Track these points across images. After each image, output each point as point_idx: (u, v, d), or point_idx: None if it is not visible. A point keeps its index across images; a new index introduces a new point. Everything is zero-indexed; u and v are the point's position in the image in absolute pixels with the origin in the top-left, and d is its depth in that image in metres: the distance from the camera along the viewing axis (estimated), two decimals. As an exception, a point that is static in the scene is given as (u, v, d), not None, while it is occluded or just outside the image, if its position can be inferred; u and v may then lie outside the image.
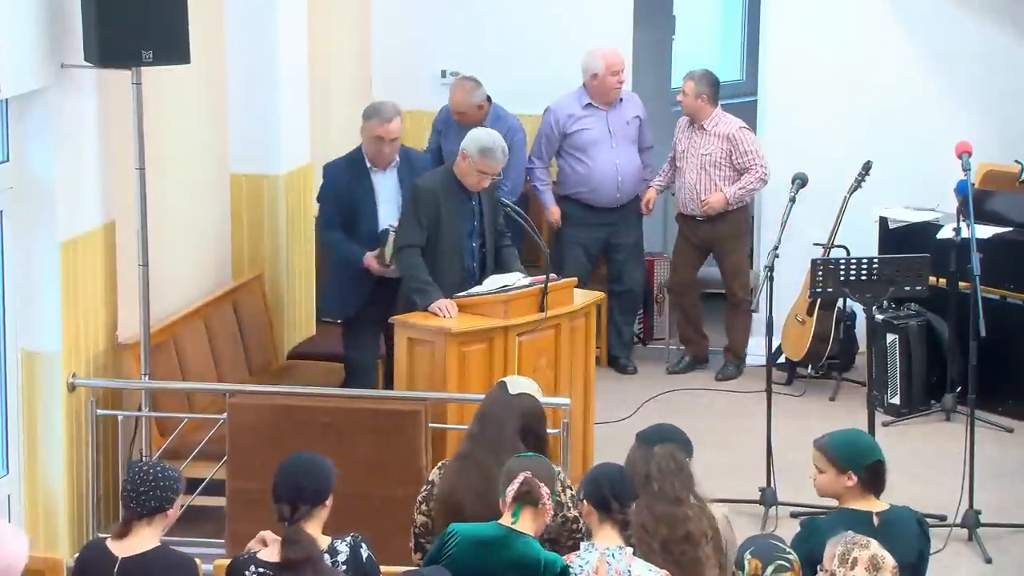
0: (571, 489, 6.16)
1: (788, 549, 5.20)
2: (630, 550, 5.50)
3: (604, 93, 10.42)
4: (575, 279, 8.60)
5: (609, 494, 5.57)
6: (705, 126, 10.43)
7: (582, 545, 5.57)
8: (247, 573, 5.51)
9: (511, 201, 8.73)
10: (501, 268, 8.45)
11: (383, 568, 5.73)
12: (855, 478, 5.95)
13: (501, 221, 8.60)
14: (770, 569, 5.11)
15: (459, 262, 8.29)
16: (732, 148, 10.36)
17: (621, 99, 10.52)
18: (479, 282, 8.32)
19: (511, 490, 5.63)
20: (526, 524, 5.62)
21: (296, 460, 5.71)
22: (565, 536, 6.06)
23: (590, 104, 10.48)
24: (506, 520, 5.64)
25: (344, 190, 8.72)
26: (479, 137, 8.33)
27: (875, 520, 5.87)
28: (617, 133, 10.48)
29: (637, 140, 10.58)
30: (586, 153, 10.46)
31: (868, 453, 6.02)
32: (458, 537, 5.62)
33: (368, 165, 8.75)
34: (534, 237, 8.34)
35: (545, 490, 5.63)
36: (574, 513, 6.07)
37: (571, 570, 5.47)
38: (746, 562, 5.15)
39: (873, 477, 5.98)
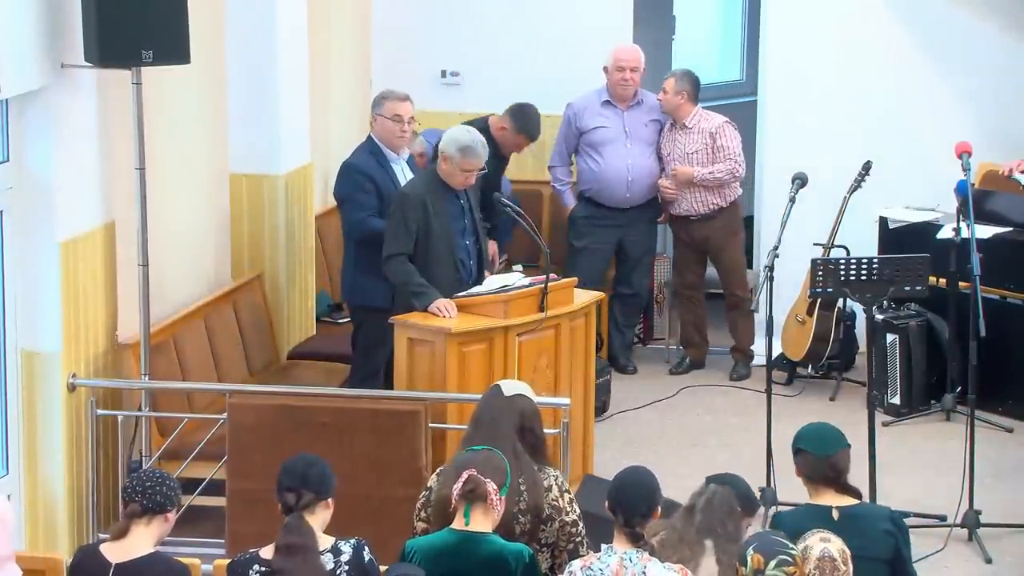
0: (569, 493, 6.14)
1: (791, 545, 5.21)
2: (646, 552, 5.48)
3: (612, 88, 10.43)
4: (575, 279, 8.59)
5: (615, 504, 5.55)
6: (687, 124, 10.41)
7: (602, 547, 5.54)
8: (251, 572, 5.53)
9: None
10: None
11: (381, 568, 5.73)
12: (796, 467, 5.99)
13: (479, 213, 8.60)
14: (772, 563, 5.13)
15: (454, 263, 8.26)
16: (713, 143, 10.35)
17: (641, 100, 10.48)
18: (477, 278, 8.32)
19: (456, 488, 5.61)
20: (479, 522, 5.61)
21: (302, 456, 5.78)
22: (564, 541, 6.04)
23: (608, 102, 10.47)
24: (458, 523, 5.62)
25: (377, 177, 8.71)
26: (456, 137, 8.24)
27: (834, 515, 5.89)
28: (633, 133, 10.45)
29: (656, 143, 10.54)
30: (599, 151, 10.44)
31: (795, 441, 6.06)
32: (418, 554, 5.61)
33: (386, 153, 8.78)
34: (534, 237, 8.34)
35: (492, 486, 5.60)
36: (573, 517, 6.05)
37: (591, 572, 5.46)
38: (749, 558, 5.16)
39: (807, 468, 5.99)
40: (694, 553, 5.49)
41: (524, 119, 10.15)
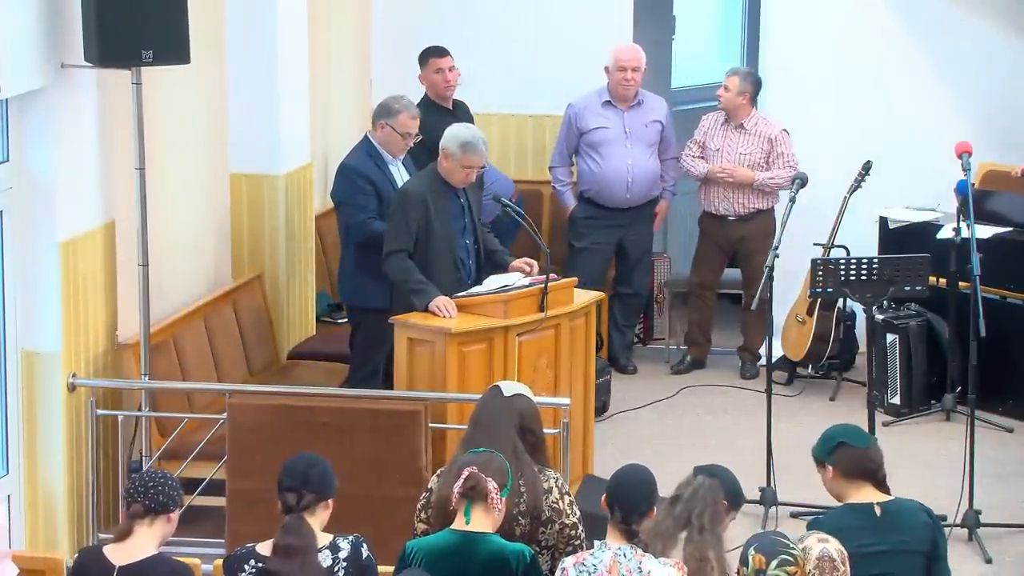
0: (569, 496, 6.14)
1: (792, 544, 5.21)
2: (640, 548, 5.48)
3: (613, 88, 10.42)
4: (575, 279, 8.59)
5: (614, 500, 5.56)
6: (745, 125, 10.39)
7: (596, 544, 5.54)
8: (247, 567, 5.53)
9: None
10: (487, 257, 8.48)
11: (381, 568, 5.74)
12: (830, 469, 5.96)
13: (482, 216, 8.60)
14: (774, 564, 5.12)
15: (453, 262, 8.26)
16: (771, 149, 10.34)
17: (642, 101, 10.45)
18: (477, 278, 8.32)
19: (457, 486, 5.60)
20: (480, 522, 5.59)
21: (303, 455, 5.78)
22: (563, 544, 6.02)
23: (609, 102, 10.44)
24: (459, 523, 5.61)
25: (376, 179, 8.72)
26: (457, 133, 8.25)
27: (877, 511, 5.86)
28: (634, 134, 10.41)
29: (657, 144, 10.53)
30: (599, 151, 10.42)
31: (831, 439, 5.99)
32: (419, 554, 5.60)
33: (383, 155, 8.80)
34: (535, 237, 8.33)
35: (493, 485, 5.58)
36: (573, 520, 6.05)
37: (584, 568, 5.46)
38: (750, 558, 5.16)
39: (848, 463, 5.92)
40: (666, 547, 5.49)
41: (423, 53, 10.21)
